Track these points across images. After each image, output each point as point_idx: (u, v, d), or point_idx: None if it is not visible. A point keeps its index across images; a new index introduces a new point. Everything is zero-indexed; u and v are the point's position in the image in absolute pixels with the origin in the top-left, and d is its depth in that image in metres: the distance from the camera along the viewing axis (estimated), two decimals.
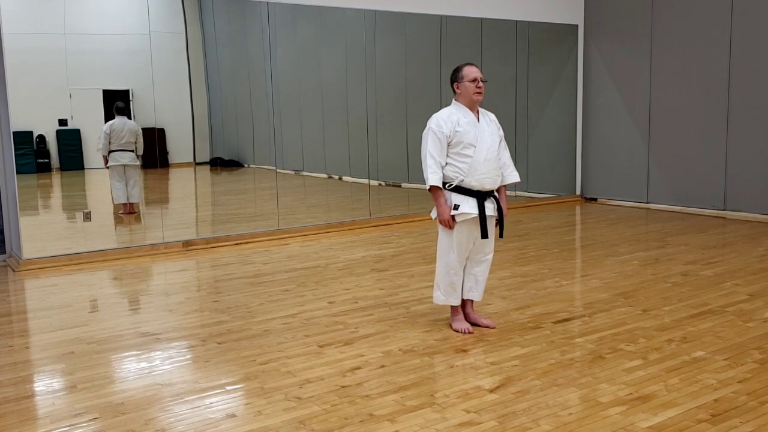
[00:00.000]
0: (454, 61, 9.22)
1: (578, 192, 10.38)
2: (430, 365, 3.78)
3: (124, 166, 7.30)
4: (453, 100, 4.22)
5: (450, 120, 4.10)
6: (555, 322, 4.51)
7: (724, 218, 8.49)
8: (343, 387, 3.50)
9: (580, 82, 10.17)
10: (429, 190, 4.12)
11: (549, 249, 6.89)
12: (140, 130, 7.32)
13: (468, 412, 3.18)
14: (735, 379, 3.50)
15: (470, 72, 4.10)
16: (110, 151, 7.21)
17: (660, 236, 7.47)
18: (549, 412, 3.16)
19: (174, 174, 8.30)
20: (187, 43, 8.08)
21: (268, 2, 7.77)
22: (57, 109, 7.08)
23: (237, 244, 7.40)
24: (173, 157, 8.10)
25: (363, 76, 8.72)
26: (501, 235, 4.35)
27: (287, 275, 5.97)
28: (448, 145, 4.08)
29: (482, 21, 9.32)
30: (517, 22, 9.60)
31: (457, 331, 4.28)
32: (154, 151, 7.74)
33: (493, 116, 4.34)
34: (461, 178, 4.06)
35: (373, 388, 3.47)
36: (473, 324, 4.38)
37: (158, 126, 7.70)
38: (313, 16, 8.60)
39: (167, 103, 7.76)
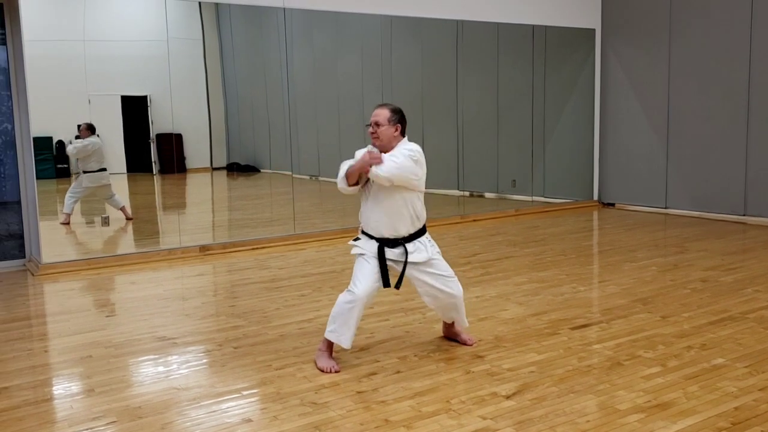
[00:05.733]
0: (470, 67, 9.29)
1: (596, 197, 10.31)
2: (446, 371, 3.76)
3: (97, 187, 7.33)
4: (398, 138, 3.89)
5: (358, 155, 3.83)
6: (572, 329, 4.47)
7: (744, 224, 8.39)
8: (359, 392, 3.49)
9: (598, 87, 10.11)
10: (347, 175, 3.75)
11: (566, 254, 6.85)
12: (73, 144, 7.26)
13: (484, 418, 3.16)
14: (756, 387, 3.45)
15: (372, 115, 3.89)
16: (84, 172, 7.21)
17: (679, 242, 7.40)
18: (566, 419, 3.13)
19: (191, 179, 8.35)
20: (204, 49, 8.14)
21: (284, 8, 7.80)
22: (76, 115, 7.15)
23: (253, 248, 7.42)
24: (190, 163, 8.16)
25: (379, 82, 8.73)
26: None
27: (303, 280, 5.98)
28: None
29: (498, 26, 9.30)
30: (533, 26, 9.57)
31: (323, 370, 3.78)
32: (171, 156, 7.79)
33: None
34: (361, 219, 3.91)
35: (389, 394, 3.46)
36: (452, 339, 4.24)
37: (176, 131, 7.75)
38: (330, 22, 8.63)
39: (184, 108, 7.82)
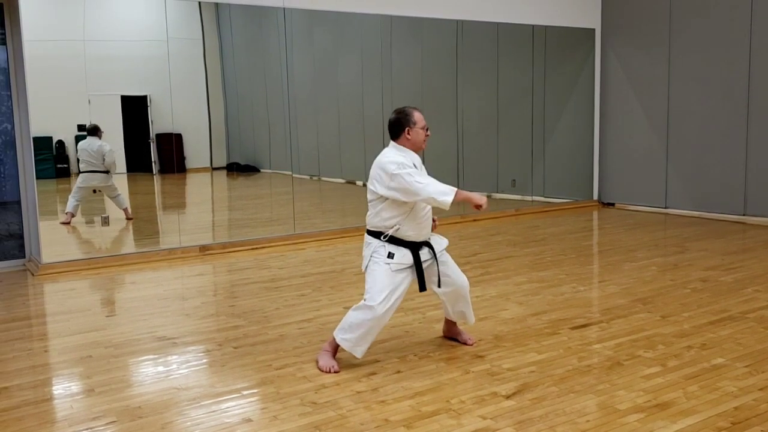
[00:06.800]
0: (470, 67, 9.29)
1: (595, 197, 10.31)
2: (446, 371, 3.76)
3: (95, 189, 7.34)
4: (393, 144, 3.89)
5: (407, 159, 3.80)
6: (572, 328, 4.47)
7: (744, 224, 8.39)
8: (358, 392, 3.49)
9: (597, 86, 10.11)
10: (453, 199, 3.66)
11: (566, 254, 6.85)
12: (107, 149, 7.26)
13: (484, 418, 3.16)
14: (756, 387, 3.45)
15: (421, 118, 3.89)
16: (80, 172, 7.23)
17: (679, 242, 7.40)
18: (566, 419, 3.13)
19: (191, 179, 8.35)
20: (204, 49, 8.14)
21: (284, 8, 7.80)
22: (76, 115, 7.15)
23: (253, 248, 7.42)
24: (190, 163, 8.16)
25: (379, 82, 8.73)
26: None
27: (303, 280, 5.98)
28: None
29: (498, 26, 9.30)
30: (533, 26, 9.57)
31: (322, 370, 3.82)
32: (171, 156, 7.79)
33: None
34: (397, 226, 3.80)
35: (389, 394, 3.46)
36: (453, 339, 4.25)
37: (175, 131, 7.75)
38: (330, 22, 8.63)
39: (184, 108, 7.82)
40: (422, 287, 3.86)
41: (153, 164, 7.65)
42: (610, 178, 10.17)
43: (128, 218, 7.58)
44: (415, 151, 3.89)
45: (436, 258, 3.90)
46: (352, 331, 3.76)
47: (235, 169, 8.65)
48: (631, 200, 9.86)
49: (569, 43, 9.93)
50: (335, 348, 3.86)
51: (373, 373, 3.73)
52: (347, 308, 4.99)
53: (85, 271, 6.53)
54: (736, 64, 8.46)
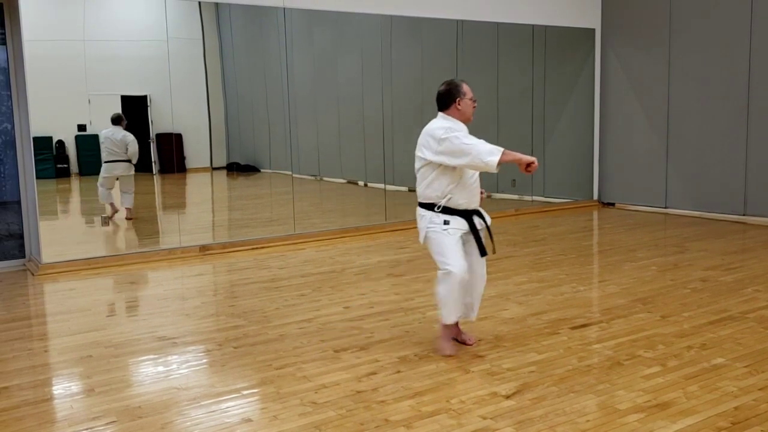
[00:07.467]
0: (470, 66, 9.28)
1: (596, 197, 10.31)
2: (446, 371, 3.76)
3: (117, 177, 7.39)
4: (442, 114, 4.01)
5: (456, 126, 3.94)
6: (572, 328, 4.47)
7: (744, 223, 8.39)
8: (358, 392, 3.49)
9: (597, 86, 10.11)
10: (499, 162, 3.70)
11: (566, 254, 6.85)
12: (130, 139, 7.33)
13: (484, 418, 3.16)
14: (755, 387, 3.45)
15: (470, 90, 4.03)
16: (104, 162, 7.28)
17: (679, 241, 7.40)
18: (566, 418, 3.13)
19: (191, 179, 8.35)
20: (204, 49, 8.14)
21: (284, 8, 7.80)
22: (76, 114, 7.15)
23: (253, 248, 7.42)
24: (190, 162, 8.16)
25: (379, 82, 8.73)
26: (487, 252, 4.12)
27: (303, 280, 5.98)
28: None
29: (498, 26, 9.30)
30: (533, 26, 9.57)
31: (447, 354, 4.00)
32: (171, 156, 7.79)
33: None
34: (449, 196, 3.92)
35: (389, 394, 3.46)
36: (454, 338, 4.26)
37: (175, 131, 7.75)
38: (330, 21, 8.63)
39: (184, 108, 7.82)
40: (482, 252, 3.99)
41: (153, 164, 7.65)
42: (610, 178, 10.17)
43: (128, 218, 7.58)
44: (464, 122, 4.02)
45: (489, 228, 4.07)
46: (447, 305, 3.92)
47: (235, 169, 8.65)
48: (631, 200, 9.85)
49: (569, 43, 9.93)
50: (452, 328, 4.07)
51: (373, 373, 3.73)
52: (347, 308, 5.01)
53: (85, 271, 6.53)
54: (736, 64, 8.45)
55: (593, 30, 9.98)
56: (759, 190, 8.38)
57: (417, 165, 4.01)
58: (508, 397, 3.39)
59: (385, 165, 8.67)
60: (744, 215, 8.53)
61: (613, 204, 10.12)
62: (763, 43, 8.19)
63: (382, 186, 8.72)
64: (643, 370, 3.70)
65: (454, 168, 3.88)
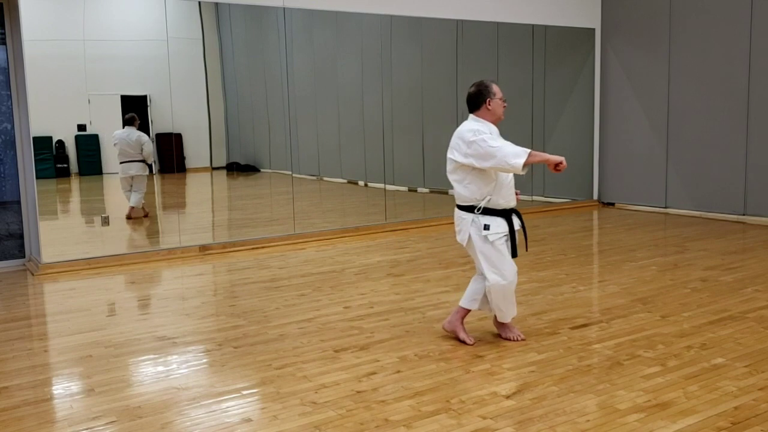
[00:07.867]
0: (470, 66, 9.28)
1: (595, 197, 10.31)
2: (446, 371, 3.76)
3: (132, 177, 7.43)
4: (473, 116, 4.07)
5: (485, 128, 3.97)
6: (572, 328, 4.47)
7: (744, 223, 8.39)
8: (358, 392, 3.49)
9: (597, 86, 10.11)
10: (525, 163, 3.75)
11: (566, 254, 6.85)
12: (145, 139, 7.36)
13: (484, 418, 3.16)
14: (755, 387, 3.45)
15: (499, 90, 4.08)
16: (119, 163, 7.33)
17: (679, 241, 7.40)
18: (566, 418, 3.13)
19: (191, 179, 8.35)
20: (204, 48, 8.14)
21: (284, 8, 7.80)
22: (76, 114, 7.15)
23: (253, 248, 7.42)
24: (190, 162, 8.15)
25: (379, 81, 8.73)
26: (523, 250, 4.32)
27: (303, 280, 5.98)
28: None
29: (498, 25, 9.30)
30: (533, 26, 9.56)
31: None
32: (171, 156, 7.79)
33: None
34: (488, 197, 3.99)
35: (389, 394, 3.46)
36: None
37: (175, 131, 7.75)
38: (330, 21, 8.63)
39: (184, 108, 7.81)
40: (514, 253, 4.10)
41: (153, 164, 7.65)
42: (610, 178, 10.17)
43: (128, 217, 7.57)
44: (494, 122, 4.06)
45: (523, 227, 4.19)
46: (506, 306, 4.12)
47: (235, 168, 8.64)
48: (631, 200, 9.85)
49: (569, 42, 9.92)
50: (505, 323, 4.24)
51: (373, 373, 3.73)
52: (347, 308, 5.01)
53: (85, 271, 6.53)
54: (736, 65, 8.45)
55: (593, 30, 9.98)
56: (759, 190, 8.38)
57: (449, 167, 4.08)
58: (508, 397, 3.39)
59: (385, 165, 8.68)
60: (744, 215, 8.53)
61: (613, 204, 10.12)
62: (763, 43, 8.19)
63: (382, 186, 8.72)
64: (643, 370, 3.70)
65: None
